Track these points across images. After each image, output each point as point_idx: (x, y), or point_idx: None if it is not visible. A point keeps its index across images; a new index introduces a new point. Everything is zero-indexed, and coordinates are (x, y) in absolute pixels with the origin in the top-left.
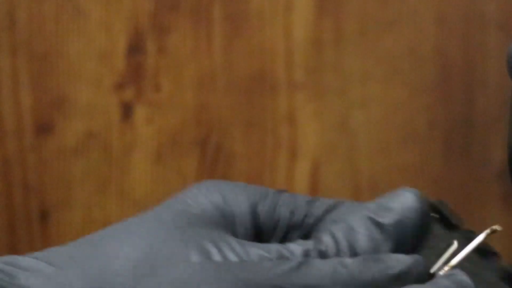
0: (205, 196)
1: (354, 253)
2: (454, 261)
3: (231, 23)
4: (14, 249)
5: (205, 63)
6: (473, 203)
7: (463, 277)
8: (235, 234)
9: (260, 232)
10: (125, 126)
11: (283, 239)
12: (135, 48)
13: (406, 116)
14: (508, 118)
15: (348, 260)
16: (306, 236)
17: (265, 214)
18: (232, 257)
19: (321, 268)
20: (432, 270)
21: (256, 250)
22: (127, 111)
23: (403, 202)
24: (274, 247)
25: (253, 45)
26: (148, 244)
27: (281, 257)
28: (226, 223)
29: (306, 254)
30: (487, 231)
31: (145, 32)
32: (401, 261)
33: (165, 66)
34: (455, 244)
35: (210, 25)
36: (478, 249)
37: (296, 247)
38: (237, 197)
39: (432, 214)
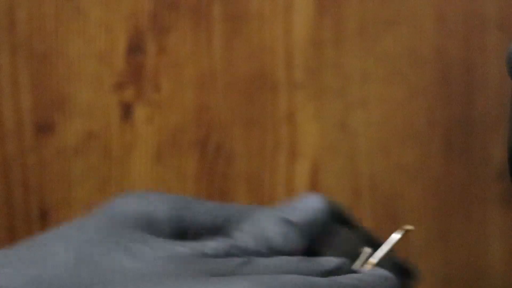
0: (128, 204)
1: (270, 249)
2: (374, 259)
3: (231, 23)
4: None
5: (205, 63)
6: (473, 203)
7: (385, 272)
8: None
9: (184, 236)
10: (125, 126)
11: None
12: (135, 48)
13: (406, 116)
14: (508, 118)
15: (288, 258)
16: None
17: (187, 219)
18: (161, 253)
19: (267, 263)
20: (354, 267)
21: (181, 247)
22: (127, 111)
23: (310, 203)
24: (196, 244)
25: (253, 45)
26: (78, 247)
27: (204, 254)
28: (149, 228)
29: (228, 251)
30: (402, 230)
31: (145, 32)
32: (332, 261)
33: (165, 66)
34: (368, 249)
35: (210, 25)
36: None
37: (217, 244)
38: (159, 205)
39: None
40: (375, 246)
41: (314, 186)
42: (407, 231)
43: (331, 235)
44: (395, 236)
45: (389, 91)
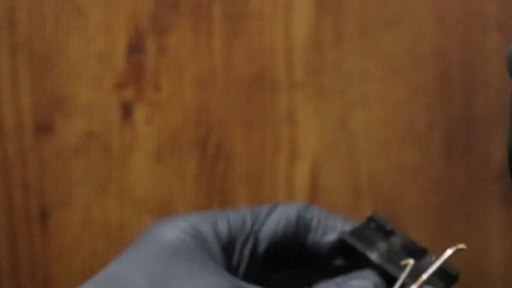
0: (172, 228)
1: None
2: (425, 275)
3: (231, 23)
4: (14, 249)
5: (205, 63)
6: (473, 203)
7: None
8: (211, 256)
9: (224, 249)
10: (125, 126)
11: (241, 251)
12: (135, 48)
13: (406, 116)
14: (508, 118)
15: None
16: (255, 243)
17: (224, 231)
18: None
19: None
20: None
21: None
22: (127, 111)
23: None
24: None
25: (253, 45)
26: None
27: None
28: (202, 248)
29: None
30: (454, 249)
31: (145, 32)
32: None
33: (165, 66)
34: (411, 260)
35: (210, 25)
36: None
37: None
38: (199, 223)
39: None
40: (417, 255)
41: (314, 186)
42: (460, 250)
43: (374, 247)
44: (448, 253)
45: (389, 91)
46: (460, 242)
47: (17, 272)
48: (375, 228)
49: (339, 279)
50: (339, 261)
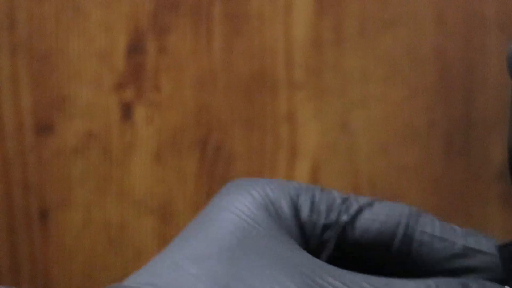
0: (248, 199)
1: None
2: None
3: (231, 23)
4: (14, 249)
5: (205, 63)
6: (473, 203)
7: None
8: (290, 235)
9: (301, 229)
10: (125, 126)
11: (320, 237)
12: (135, 48)
13: (406, 116)
14: (508, 118)
15: None
16: (341, 234)
17: (305, 210)
18: None
19: None
20: None
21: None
22: (127, 111)
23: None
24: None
25: (253, 45)
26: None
27: None
28: (276, 223)
29: None
30: None
31: (145, 32)
32: None
33: (165, 66)
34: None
35: (210, 25)
36: None
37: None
38: (277, 194)
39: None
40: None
41: None
42: None
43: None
44: None
45: (389, 91)
46: None
47: (17, 272)
48: None
49: (464, 279)
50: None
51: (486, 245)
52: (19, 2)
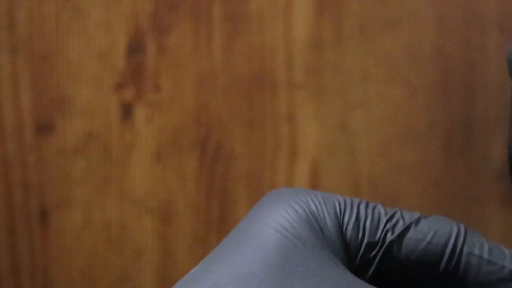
0: (291, 213)
1: None
2: None
3: (231, 23)
4: (14, 249)
5: (205, 63)
6: (473, 203)
7: None
8: (334, 253)
9: (346, 247)
10: (125, 126)
11: (363, 256)
12: (135, 48)
13: (406, 116)
14: (508, 118)
15: None
16: (385, 253)
17: (350, 227)
18: None
19: None
20: None
21: None
22: (127, 111)
23: None
24: None
25: (253, 45)
26: None
27: None
28: (320, 241)
29: None
30: None
31: (145, 32)
32: None
33: (165, 66)
34: None
35: (210, 25)
36: None
37: None
38: (321, 208)
39: None
40: None
41: (314, 186)
42: None
43: None
44: None
45: (389, 91)
46: None
47: (17, 272)
48: None
49: None
50: None
51: None
52: (19, 2)
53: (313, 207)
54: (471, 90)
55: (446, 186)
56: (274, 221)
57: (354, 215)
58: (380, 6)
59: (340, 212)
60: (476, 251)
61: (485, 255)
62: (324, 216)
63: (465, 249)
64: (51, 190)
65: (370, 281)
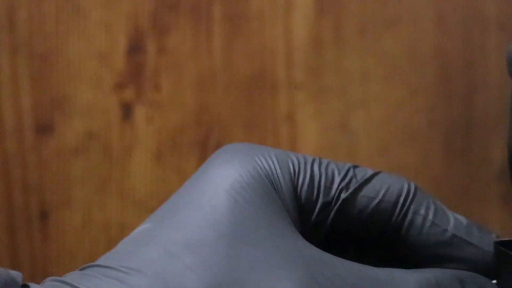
0: (244, 175)
1: None
2: None
3: (231, 23)
4: (14, 249)
5: (205, 63)
6: (473, 203)
7: None
8: (287, 211)
9: (300, 207)
10: (125, 126)
11: (318, 215)
12: (135, 48)
13: (406, 116)
14: (508, 118)
15: None
16: (338, 211)
17: (304, 188)
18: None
19: None
20: None
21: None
22: (127, 111)
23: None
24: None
25: (253, 45)
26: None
27: None
28: (274, 204)
29: None
30: None
31: (145, 32)
32: None
33: (165, 66)
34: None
35: (210, 25)
36: None
37: None
38: (276, 168)
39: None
40: None
41: None
42: None
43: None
44: None
45: (389, 91)
46: None
47: None
48: None
49: (460, 273)
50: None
51: (478, 238)
52: (19, 2)
53: (267, 168)
54: (471, 90)
55: (446, 186)
56: (227, 183)
57: (308, 176)
58: (380, 6)
59: (295, 172)
60: (422, 211)
61: (430, 216)
62: (278, 178)
63: (412, 207)
64: (51, 190)
65: (322, 240)
